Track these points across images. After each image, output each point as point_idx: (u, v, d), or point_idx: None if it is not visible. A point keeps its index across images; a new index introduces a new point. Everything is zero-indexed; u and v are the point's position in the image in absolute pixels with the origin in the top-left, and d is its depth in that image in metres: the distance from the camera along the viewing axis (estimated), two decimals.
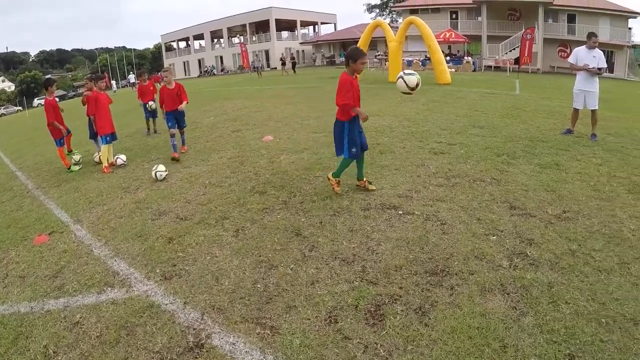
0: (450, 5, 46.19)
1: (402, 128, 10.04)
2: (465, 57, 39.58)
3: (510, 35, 39.77)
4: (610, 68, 41.42)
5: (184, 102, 8.90)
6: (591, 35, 8.87)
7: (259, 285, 3.90)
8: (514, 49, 37.14)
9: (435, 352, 2.97)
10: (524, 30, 32.13)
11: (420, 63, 37.53)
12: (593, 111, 8.94)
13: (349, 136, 5.56)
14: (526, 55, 30.29)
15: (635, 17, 43.86)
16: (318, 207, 5.59)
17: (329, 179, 6.09)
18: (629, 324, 3.25)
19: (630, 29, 46.00)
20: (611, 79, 36.97)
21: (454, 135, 9.08)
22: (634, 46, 54.40)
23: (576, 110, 9.17)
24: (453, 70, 32.90)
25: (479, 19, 43.69)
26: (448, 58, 38.32)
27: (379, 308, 3.45)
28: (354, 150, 5.60)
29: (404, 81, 5.69)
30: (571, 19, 42.27)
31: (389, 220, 5.07)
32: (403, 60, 32.55)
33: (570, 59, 9.11)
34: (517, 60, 32.62)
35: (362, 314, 3.39)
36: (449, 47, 43.97)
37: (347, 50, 5.72)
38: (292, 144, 9.12)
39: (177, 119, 8.96)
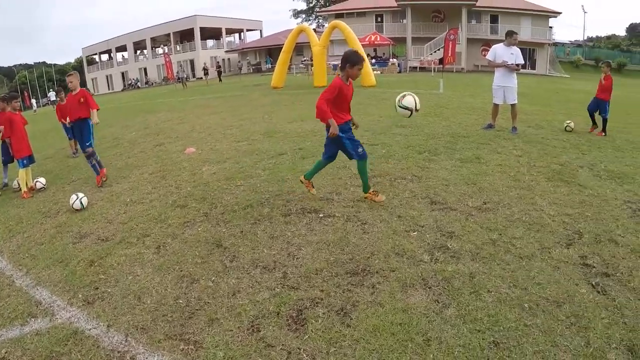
0: (376, 8, 48.25)
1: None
2: (391, 59, 41.16)
3: (435, 36, 41.70)
4: (533, 65, 45.10)
5: (94, 110, 7.98)
6: (511, 33, 9.68)
7: (181, 301, 3.91)
8: (439, 49, 39.09)
9: (358, 352, 3.05)
10: (447, 31, 34.22)
11: None
12: (512, 105, 9.72)
13: (347, 138, 5.52)
14: (450, 55, 31.88)
15: (555, 17, 47.63)
16: (239, 216, 5.67)
17: (366, 198, 5.85)
18: (552, 306, 3.50)
19: (551, 27, 50.50)
20: (533, 75, 40.06)
21: (376, 135, 9.48)
22: (555, 44, 59.41)
23: (496, 105, 9.89)
24: (379, 72, 34.01)
25: (404, 21, 45.75)
26: (374, 60, 39.73)
27: (300, 313, 3.53)
28: (360, 150, 5.56)
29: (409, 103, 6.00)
30: (494, 19, 45.22)
31: (310, 224, 5.21)
32: (328, 64, 33.33)
33: (489, 56, 9.74)
34: (441, 61, 34.20)
35: (284, 320, 3.46)
36: (375, 50, 45.59)
37: (344, 53, 5.45)
38: (214, 155, 9.23)
39: (81, 131, 8.07)
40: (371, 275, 4.01)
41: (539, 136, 9.28)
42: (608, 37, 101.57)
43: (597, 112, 10.34)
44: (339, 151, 5.79)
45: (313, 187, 6.09)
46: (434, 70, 34.12)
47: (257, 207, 5.94)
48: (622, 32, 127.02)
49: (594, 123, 10.56)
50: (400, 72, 38.75)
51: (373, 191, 5.91)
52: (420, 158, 7.56)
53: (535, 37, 45.41)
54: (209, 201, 6.43)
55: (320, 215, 5.47)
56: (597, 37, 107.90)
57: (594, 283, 3.94)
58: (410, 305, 3.53)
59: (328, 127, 5.39)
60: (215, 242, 5.05)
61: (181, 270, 4.49)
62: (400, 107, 6.07)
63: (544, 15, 46.87)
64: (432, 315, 3.40)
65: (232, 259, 4.59)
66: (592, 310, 3.54)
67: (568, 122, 10.41)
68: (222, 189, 6.91)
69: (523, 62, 9.78)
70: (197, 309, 3.79)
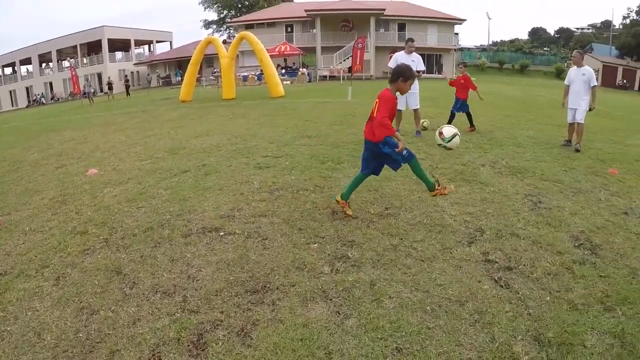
0: (285, 19, 49.14)
1: (230, 146, 10.34)
2: (300, 69, 41.86)
3: (344, 45, 42.76)
4: (440, 69, 47.72)
5: None
6: (408, 40, 10.11)
7: (81, 335, 3.73)
8: (347, 58, 40.08)
9: None
10: (355, 40, 35.14)
11: (256, 78, 38.59)
12: (415, 110, 10.17)
13: (390, 147, 5.32)
14: (358, 63, 32.70)
15: (460, 24, 50.96)
16: (139, 240, 5.49)
17: (434, 195, 5.91)
18: (455, 305, 3.60)
19: (456, 34, 53.84)
20: (440, 79, 42.38)
21: (281, 147, 9.49)
22: (461, 49, 62.89)
23: (399, 111, 10.20)
24: (289, 82, 34.40)
25: (313, 31, 46.67)
26: (284, 71, 40.04)
27: (201, 337, 3.46)
28: (405, 153, 5.31)
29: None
30: (401, 27, 47.41)
31: (210, 244, 5.11)
32: (238, 75, 33.04)
33: (390, 64, 10.05)
34: (350, 69, 35.40)
35: (184, 346, 3.38)
36: (285, 60, 46.06)
37: (397, 67, 5.46)
38: (116, 176, 8.97)
39: None
40: (271, 292, 3.96)
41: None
42: (511, 41, 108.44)
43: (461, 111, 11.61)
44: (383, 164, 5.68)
45: (350, 208, 5.68)
46: (343, 79, 34.94)
47: (157, 229, 5.77)
48: (525, 36, 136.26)
49: (472, 123, 11.66)
50: (310, 81, 39.31)
51: (439, 187, 5.93)
52: (323, 168, 7.59)
53: (442, 43, 48.25)
54: (109, 226, 6.20)
55: (220, 234, 5.37)
56: (501, 41, 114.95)
57: (496, 278, 4.10)
58: (310, 319, 3.51)
59: (379, 145, 5.36)
60: (115, 269, 4.86)
61: (81, 302, 4.29)
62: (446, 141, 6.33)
63: (449, 23, 50.00)
64: (333, 327, 3.39)
65: (132, 286, 4.44)
66: (496, 305, 3.68)
67: (423, 120, 11.06)
68: (123, 212, 6.69)
69: (424, 68, 10.18)
70: (97, 342, 3.64)
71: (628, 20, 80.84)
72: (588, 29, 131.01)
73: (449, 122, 11.02)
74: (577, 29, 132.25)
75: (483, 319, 3.48)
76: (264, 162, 8.32)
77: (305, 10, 44.91)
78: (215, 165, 8.55)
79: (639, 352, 3.35)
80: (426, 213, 5.43)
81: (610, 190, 7.37)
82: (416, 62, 9.87)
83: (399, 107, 10.03)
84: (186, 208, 6.39)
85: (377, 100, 5.34)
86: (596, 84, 10.30)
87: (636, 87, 63.08)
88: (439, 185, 5.93)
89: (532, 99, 23.17)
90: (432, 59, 48.74)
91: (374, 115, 5.33)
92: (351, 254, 4.49)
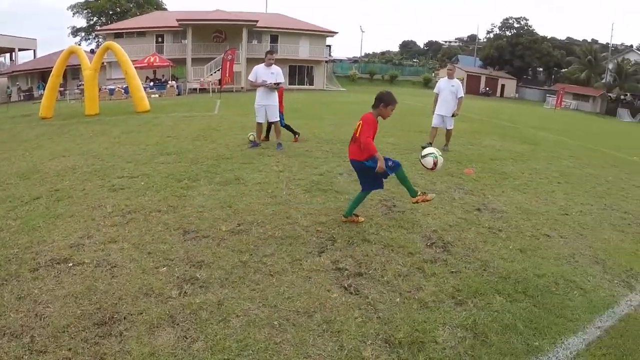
0: (156, 28, 47.42)
1: (86, 167, 9.76)
2: (170, 82, 40.73)
3: (216, 56, 42.24)
4: (311, 81, 48.80)
5: None
6: (267, 53, 10.15)
7: None
8: (218, 70, 39.69)
9: None
10: (225, 51, 34.81)
11: (123, 91, 36.76)
12: (275, 123, 10.21)
13: (373, 162, 5.51)
14: (227, 75, 32.55)
15: (332, 36, 52.52)
16: None
17: (416, 202, 6.03)
18: (303, 317, 3.63)
19: (328, 46, 55.47)
20: (311, 90, 43.30)
21: (139, 166, 9.08)
22: (333, 60, 64.78)
23: (259, 124, 10.29)
24: (157, 95, 33.33)
25: (184, 41, 45.55)
26: (152, 83, 38.74)
27: None
28: (390, 164, 5.63)
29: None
30: (274, 39, 47.84)
31: (59, 277, 4.75)
32: (104, 88, 31.38)
33: (250, 77, 10.05)
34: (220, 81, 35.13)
35: None
36: (154, 72, 44.57)
37: (379, 94, 5.78)
38: None
39: None
40: (119, 323, 3.76)
41: (303, 149, 9.84)
42: (383, 53, 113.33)
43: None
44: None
45: (358, 216, 6.00)
46: (212, 91, 34.56)
47: (4, 265, 5.23)
48: (396, 48, 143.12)
49: (295, 133, 11.72)
50: (179, 94, 38.33)
51: (420, 192, 6.03)
52: (178, 186, 7.37)
53: (313, 55, 49.46)
54: None
55: (69, 265, 5.00)
56: (373, 53, 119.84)
57: (346, 285, 4.19)
58: (157, 347, 3.38)
59: (364, 162, 5.70)
60: None
61: None
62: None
63: (321, 35, 51.34)
64: (180, 352, 3.29)
65: None
66: (345, 313, 3.75)
67: (250, 134, 11.18)
68: None
69: (283, 80, 10.29)
70: None
71: (492, 35, 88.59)
72: (455, 42, 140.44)
73: (267, 136, 11.34)
74: (445, 42, 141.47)
75: (332, 328, 3.53)
76: (119, 184, 7.97)
77: (177, 20, 43.62)
78: (69, 190, 8.01)
79: (492, 341, 3.57)
80: (279, 226, 5.45)
81: (465, 189, 7.92)
82: (275, 75, 9.96)
83: (258, 119, 10.12)
84: (35, 239, 5.93)
85: (361, 122, 5.69)
86: (463, 95, 11.51)
87: (498, 94, 68.66)
88: (423, 194, 6.08)
89: (398, 107, 24.12)
90: (304, 71, 49.95)
91: (357, 135, 5.66)
92: (200, 275, 4.37)
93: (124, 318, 3.84)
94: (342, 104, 23.88)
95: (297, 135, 11.48)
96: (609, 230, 7.04)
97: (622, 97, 69.85)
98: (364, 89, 48.94)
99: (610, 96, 70.10)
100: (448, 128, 11.60)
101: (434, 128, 11.63)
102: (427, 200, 6.10)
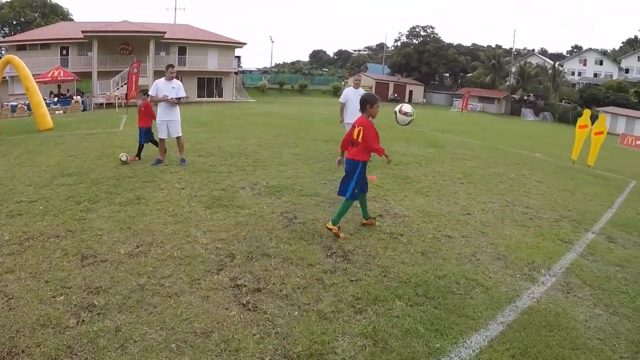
0: (61, 40, 44.51)
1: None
2: (75, 97, 38.69)
3: (123, 69, 40.56)
4: (220, 93, 48.01)
5: None
6: (168, 66, 9.84)
7: None
8: (125, 83, 38.28)
9: None
10: (131, 64, 33.43)
11: (26, 107, 34.43)
12: (177, 138, 9.93)
13: (359, 177, 5.99)
14: (133, 89, 31.16)
15: (241, 47, 51.59)
16: None
17: (329, 229, 6.00)
18: (200, 338, 3.59)
19: (238, 57, 54.81)
20: (221, 102, 42.71)
21: (38, 189, 8.48)
22: (243, 72, 64.31)
23: (162, 140, 9.99)
24: (61, 112, 31.60)
25: (90, 54, 43.18)
26: (56, 99, 36.73)
27: None
28: (356, 191, 6.02)
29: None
30: (182, 51, 46.43)
31: None
32: (6, 105, 29.29)
33: (151, 92, 9.71)
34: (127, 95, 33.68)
35: None
36: (59, 87, 42.23)
37: (362, 97, 6.30)
38: None
39: None
40: (17, 357, 3.58)
41: (207, 164, 9.74)
42: (293, 63, 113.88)
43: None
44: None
45: (371, 219, 6.62)
46: (119, 106, 33.15)
47: None
48: (306, 58, 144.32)
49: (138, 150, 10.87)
50: (85, 110, 36.60)
51: (338, 227, 6.10)
52: (78, 209, 7.00)
53: (222, 67, 48.47)
54: None
55: None
56: (284, 63, 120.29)
57: (244, 302, 4.17)
58: None
59: (357, 161, 6.07)
60: None
61: None
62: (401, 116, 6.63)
63: (230, 46, 50.39)
64: None
65: None
66: (243, 330, 3.73)
67: (121, 155, 10.44)
68: None
69: (184, 95, 10.07)
70: None
71: (399, 43, 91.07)
72: (364, 50, 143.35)
73: (138, 154, 10.74)
74: (355, 50, 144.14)
75: (230, 347, 3.52)
76: (17, 209, 7.51)
77: (82, 32, 41.39)
78: None
79: (392, 347, 3.66)
80: (178, 246, 5.34)
81: (367, 196, 8.02)
82: (176, 89, 9.71)
83: (161, 135, 9.84)
84: None
85: (360, 128, 6.03)
86: None
87: (406, 100, 70.86)
88: (338, 228, 6.14)
89: (307, 117, 24.44)
90: (213, 83, 48.96)
91: (360, 140, 6.01)
92: (97, 302, 4.20)
93: (22, 352, 3.65)
94: (250, 115, 23.75)
95: (138, 157, 10.75)
96: (510, 226, 7.36)
97: (525, 98, 74.74)
98: (273, 99, 48.99)
99: (514, 97, 74.81)
100: None
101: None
102: (337, 236, 6.07)
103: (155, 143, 10.63)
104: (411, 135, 18.83)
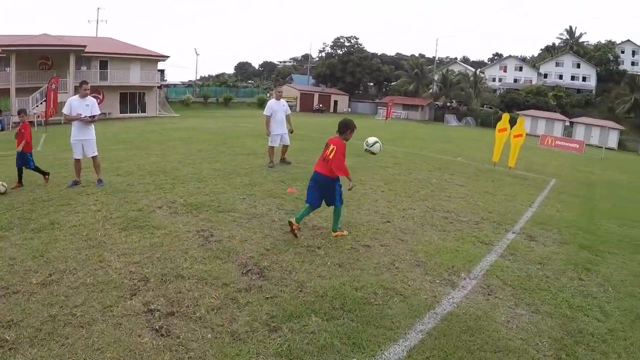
0: None
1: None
2: None
3: (42, 85, 38.64)
4: (143, 108, 46.48)
5: None
6: (82, 83, 9.35)
7: None
8: (44, 100, 36.54)
9: None
10: (49, 80, 31.69)
11: None
12: (94, 158, 9.52)
13: (338, 187, 6.81)
14: (52, 106, 29.57)
15: (164, 60, 50.19)
16: None
17: (335, 236, 6.94)
18: None
19: (161, 70, 53.20)
20: (144, 118, 41.46)
21: None
22: (167, 85, 62.86)
23: (77, 161, 9.48)
24: None
25: (8, 69, 40.59)
26: None
27: None
28: (342, 197, 6.98)
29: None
30: (103, 65, 44.33)
31: None
32: None
33: (65, 110, 9.19)
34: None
35: None
36: None
37: (346, 122, 6.88)
38: None
39: None
40: None
41: (125, 183, 9.44)
42: (217, 76, 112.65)
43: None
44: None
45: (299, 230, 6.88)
46: (38, 125, 31.16)
47: None
48: (232, 70, 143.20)
49: (44, 174, 10.06)
50: (2, 129, 34.46)
51: (340, 229, 7.13)
52: None
53: (145, 81, 46.83)
54: None
55: None
56: (209, 76, 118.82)
57: (157, 327, 4.06)
58: None
59: (331, 178, 6.80)
60: None
61: None
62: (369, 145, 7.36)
63: (153, 60, 48.93)
64: None
65: None
66: (155, 357, 3.66)
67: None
68: None
69: (99, 112, 9.72)
70: None
71: (324, 53, 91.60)
72: (290, 62, 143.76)
73: (19, 181, 9.72)
74: (280, 62, 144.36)
75: None
76: None
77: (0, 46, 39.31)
78: None
79: None
80: (91, 272, 5.10)
81: (286, 210, 8.03)
82: (90, 107, 9.29)
83: (76, 156, 9.27)
84: None
85: (333, 146, 6.72)
86: (290, 112, 13.10)
87: (331, 110, 71.52)
88: (340, 230, 7.17)
89: (230, 131, 24.09)
90: (136, 98, 47.26)
91: (330, 157, 6.66)
92: (9, 336, 3.95)
93: None
94: (173, 130, 23.18)
95: (47, 176, 10.04)
96: (430, 232, 7.49)
97: (448, 104, 77.34)
98: (198, 113, 48.03)
99: (437, 104, 77.40)
100: (286, 144, 13.06)
101: (272, 147, 12.70)
102: (344, 235, 7.03)
103: (37, 169, 9.99)
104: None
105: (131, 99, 46.65)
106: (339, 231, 7.02)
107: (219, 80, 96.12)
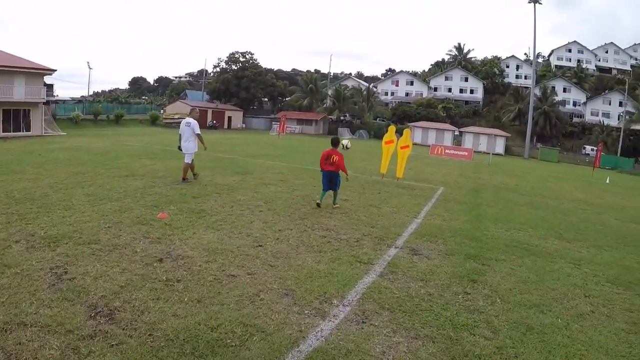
0: None
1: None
2: None
3: None
4: (27, 126, 41.81)
5: None
6: None
7: None
8: None
9: None
10: None
11: None
12: None
13: (338, 178, 10.98)
14: None
15: (51, 74, 45.20)
16: None
17: (335, 207, 11.29)
18: None
19: (48, 85, 48.09)
20: (27, 137, 37.61)
21: None
22: (56, 102, 58.24)
23: None
24: None
25: None
26: None
27: None
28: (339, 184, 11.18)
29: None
30: None
31: None
32: None
33: None
34: None
35: None
36: None
37: (334, 137, 11.60)
38: None
39: None
40: None
41: None
42: (111, 91, 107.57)
43: None
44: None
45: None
46: None
47: None
48: (126, 85, 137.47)
49: None
50: None
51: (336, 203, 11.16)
52: None
53: (30, 97, 42.07)
54: None
55: None
56: (102, 91, 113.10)
57: None
58: None
59: (337, 172, 11.15)
60: None
61: None
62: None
63: (38, 73, 43.66)
64: None
65: None
66: None
67: None
68: None
69: None
70: None
71: (218, 69, 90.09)
72: (185, 77, 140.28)
73: None
74: (176, 77, 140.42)
75: None
76: None
77: None
78: None
79: None
80: None
81: (151, 238, 7.28)
82: None
83: None
84: None
85: (335, 155, 10.96)
86: (199, 132, 13.30)
87: (225, 126, 70.64)
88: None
89: (115, 151, 22.48)
90: (20, 115, 42.15)
91: (335, 161, 10.91)
92: None
93: None
94: (56, 151, 21.05)
95: None
96: (305, 254, 6.97)
97: (342, 118, 79.13)
98: (86, 131, 44.39)
99: (331, 118, 78.90)
100: (188, 162, 13.49)
101: (187, 164, 13.30)
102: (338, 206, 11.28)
103: None
104: (220, 164, 18.30)
105: (15, 117, 41.45)
106: (337, 205, 11.31)
107: (111, 96, 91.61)
